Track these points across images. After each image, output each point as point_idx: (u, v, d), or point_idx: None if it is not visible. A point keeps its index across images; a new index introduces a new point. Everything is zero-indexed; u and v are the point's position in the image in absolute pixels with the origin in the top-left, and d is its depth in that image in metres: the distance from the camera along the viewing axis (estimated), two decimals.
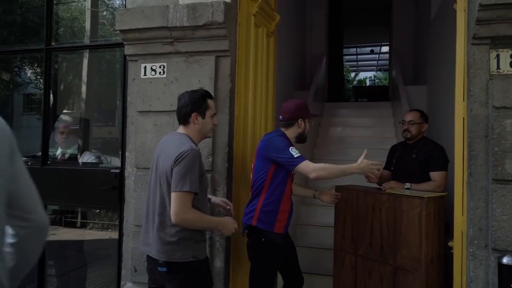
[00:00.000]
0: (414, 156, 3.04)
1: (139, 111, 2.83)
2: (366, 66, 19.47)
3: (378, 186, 3.03)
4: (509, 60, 2.34)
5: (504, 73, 2.33)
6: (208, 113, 2.14)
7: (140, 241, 2.14)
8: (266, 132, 3.07)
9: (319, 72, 7.64)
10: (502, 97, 2.28)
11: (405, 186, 2.80)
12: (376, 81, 19.09)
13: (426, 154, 2.99)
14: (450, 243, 2.53)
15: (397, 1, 8.48)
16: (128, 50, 2.88)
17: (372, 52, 15.08)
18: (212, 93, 2.63)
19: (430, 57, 5.94)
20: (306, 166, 2.34)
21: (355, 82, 19.13)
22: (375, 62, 18.21)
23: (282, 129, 2.59)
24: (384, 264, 2.72)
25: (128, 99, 2.92)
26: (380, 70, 19.67)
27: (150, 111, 2.79)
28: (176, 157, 1.96)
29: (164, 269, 2.01)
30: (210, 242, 2.63)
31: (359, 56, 16.92)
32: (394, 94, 7.41)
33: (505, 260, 1.76)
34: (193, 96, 2.12)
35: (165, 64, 2.77)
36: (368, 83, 18.83)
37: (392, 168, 3.21)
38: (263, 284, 2.44)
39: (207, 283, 2.06)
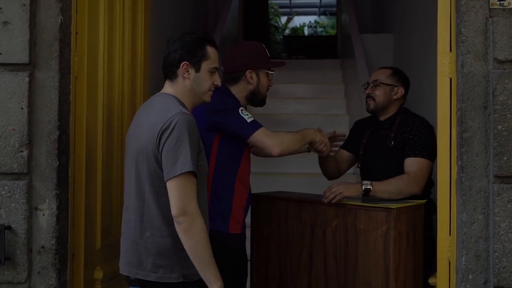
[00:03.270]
0: (392, 143, 3.02)
1: None
2: (304, 7, 19.82)
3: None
4: None
5: (511, 6, 2.35)
6: (205, 66, 2.34)
7: None
8: (132, 101, 3.07)
9: (228, 12, 7.66)
10: (508, 44, 2.31)
11: (363, 186, 2.77)
12: (319, 29, 19.60)
13: (403, 137, 2.99)
14: (431, 280, 2.58)
15: None
16: None
17: None
18: (27, 32, 2.47)
19: None
20: (266, 136, 2.68)
21: (287, 31, 19.45)
22: (317, 1, 18.55)
23: (227, 85, 2.86)
24: None
25: None
26: (324, 13, 20.17)
27: None
28: (162, 128, 2.16)
29: None
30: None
31: None
32: (345, 48, 7.60)
33: None
34: (185, 39, 2.35)
35: None
36: (306, 33, 19.23)
37: (358, 166, 3.21)
38: None
39: None
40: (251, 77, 2.83)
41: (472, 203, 2.33)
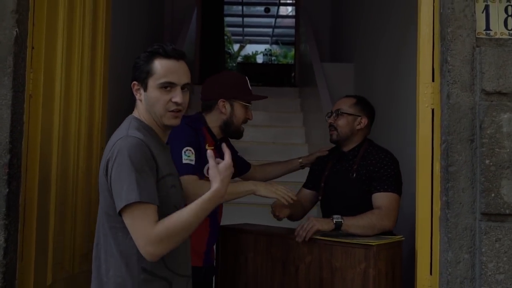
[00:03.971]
0: (355, 175, 2.91)
1: None
2: (257, 36, 19.93)
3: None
4: (503, 16, 2.33)
5: (497, 36, 2.33)
6: (152, 82, 2.10)
7: None
8: (89, 125, 2.92)
9: (185, 37, 7.56)
10: (496, 75, 2.26)
11: (334, 219, 2.64)
12: (272, 58, 19.70)
13: (368, 170, 2.89)
14: None
15: None
16: None
17: (267, 11, 15.46)
18: None
19: (359, 18, 6.09)
20: (188, 184, 2.47)
21: (239, 59, 19.49)
22: (270, 30, 18.69)
23: (203, 113, 2.86)
24: None
25: None
26: (276, 43, 20.33)
27: None
28: (108, 156, 2.01)
29: None
30: None
31: (246, 20, 17.18)
32: (303, 76, 7.55)
33: None
34: (139, 56, 2.17)
35: None
36: (260, 61, 19.29)
37: (320, 198, 3.08)
38: None
39: None
40: (224, 107, 2.78)
41: (458, 242, 2.24)
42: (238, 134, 2.85)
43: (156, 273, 2.00)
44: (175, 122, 2.12)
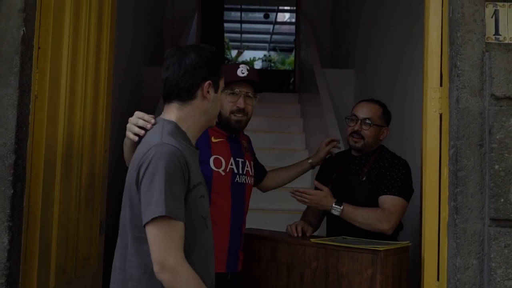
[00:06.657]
0: (364, 178, 2.90)
1: None
2: (254, 43, 19.93)
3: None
4: None
5: (506, 42, 2.32)
6: (221, 84, 2.15)
7: None
8: (93, 126, 2.86)
9: (186, 42, 7.48)
10: (506, 80, 2.25)
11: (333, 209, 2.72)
12: (271, 64, 19.71)
13: (379, 172, 2.88)
14: None
15: None
16: None
17: (266, 17, 15.48)
18: None
19: (359, 24, 6.06)
20: None
21: None
22: (268, 37, 18.70)
23: None
24: None
25: None
26: (274, 49, 20.32)
27: None
28: (140, 162, 1.91)
29: None
30: None
31: (244, 27, 17.20)
32: (303, 82, 7.53)
33: None
34: (205, 54, 2.06)
35: None
36: (259, 66, 19.28)
37: None
38: None
39: None
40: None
41: (467, 247, 2.23)
42: (230, 126, 2.66)
43: None
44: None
